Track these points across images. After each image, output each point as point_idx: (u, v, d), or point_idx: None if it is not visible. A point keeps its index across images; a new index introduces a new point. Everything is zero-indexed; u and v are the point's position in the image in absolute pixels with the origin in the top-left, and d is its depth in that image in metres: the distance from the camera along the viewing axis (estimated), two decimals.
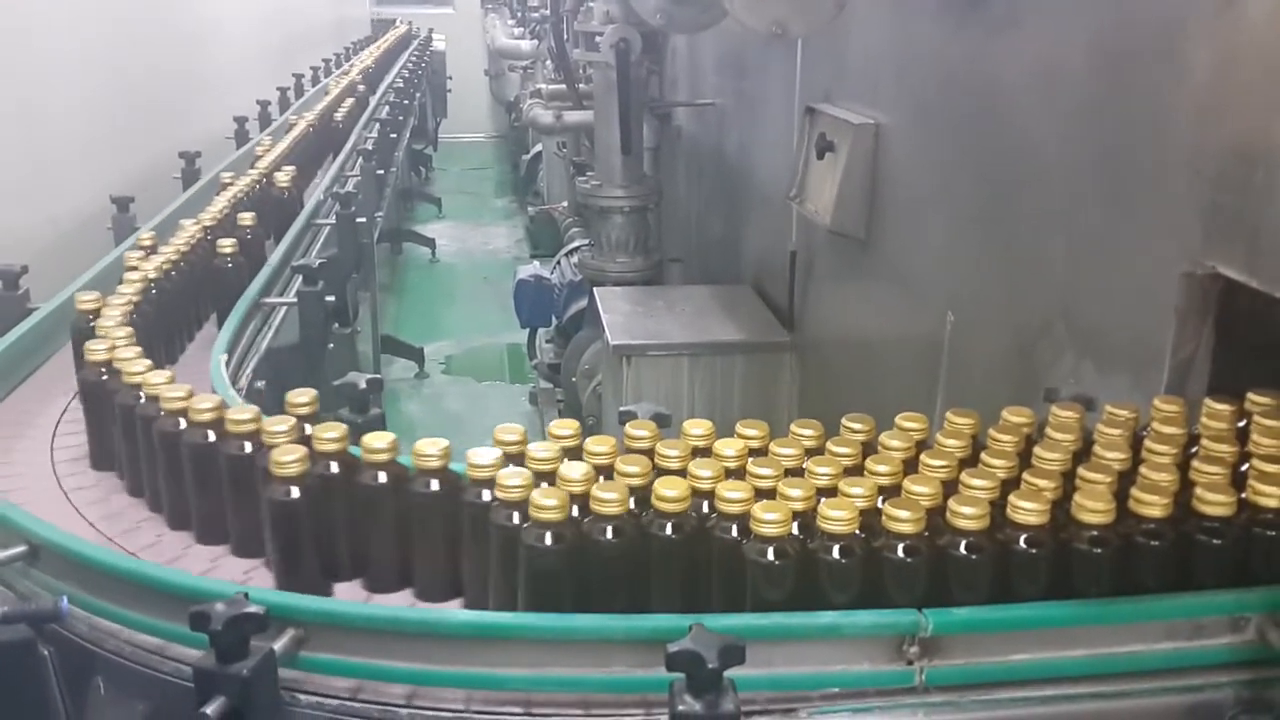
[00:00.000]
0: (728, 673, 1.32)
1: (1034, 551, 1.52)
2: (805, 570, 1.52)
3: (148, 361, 2.19)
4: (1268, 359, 1.88)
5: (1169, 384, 1.97)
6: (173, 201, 4.42)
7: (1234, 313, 1.92)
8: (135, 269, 2.87)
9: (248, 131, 6.81)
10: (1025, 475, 1.62)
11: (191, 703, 1.39)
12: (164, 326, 2.85)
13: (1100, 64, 2.23)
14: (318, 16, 14.45)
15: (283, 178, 4.43)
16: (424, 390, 7.75)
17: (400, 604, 1.78)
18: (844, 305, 3.89)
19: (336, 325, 3.85)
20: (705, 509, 1.62)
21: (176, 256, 3.05)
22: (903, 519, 1.51)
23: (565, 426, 1.80)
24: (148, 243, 3.18)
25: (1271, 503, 1.55)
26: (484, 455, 1.69)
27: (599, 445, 1.72)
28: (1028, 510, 1.53)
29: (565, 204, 9.33)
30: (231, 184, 4.07)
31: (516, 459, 1.73)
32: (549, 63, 8.52)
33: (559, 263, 7.09)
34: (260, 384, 2.96)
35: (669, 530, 1.57)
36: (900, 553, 1.51)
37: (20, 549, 1.76)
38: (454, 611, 1.73)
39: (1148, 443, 1.69)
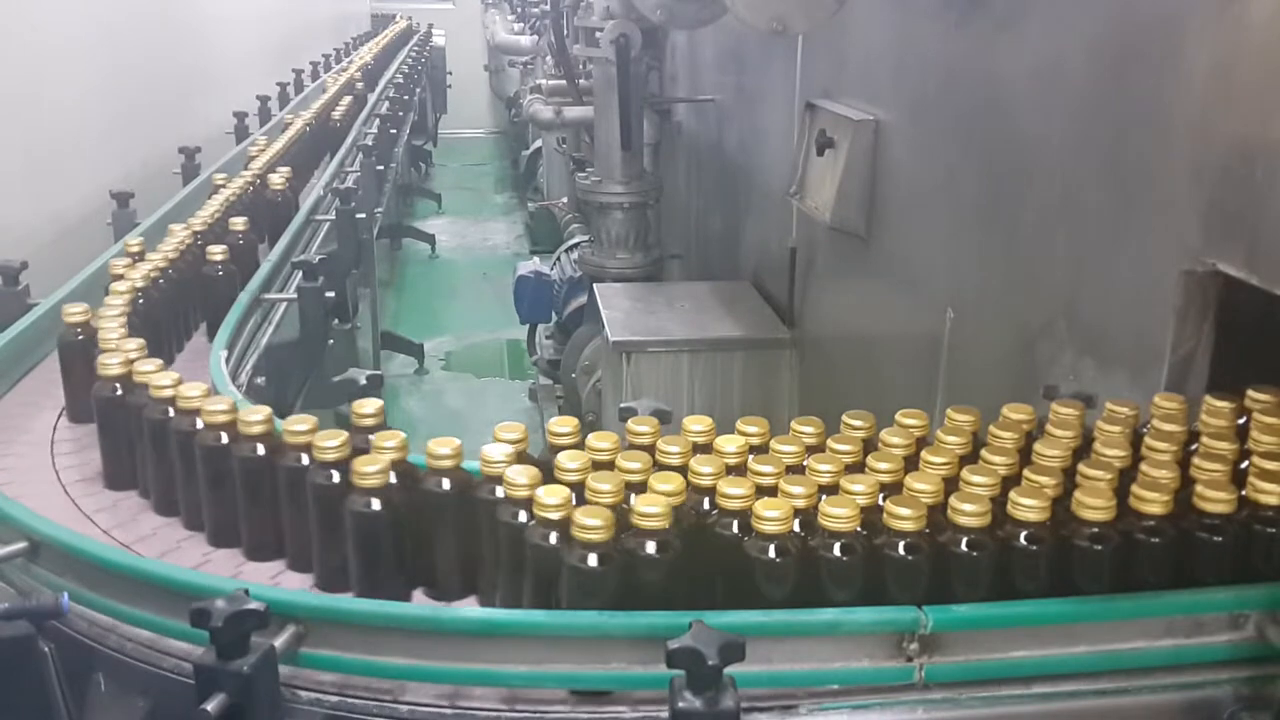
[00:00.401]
0: (728, 669, 1.32)
1: (1034, 548, 1.53)
2: (806, 567, 1.52)
3: (175, 375, 2.08)
4: (1268, 356, 1.88)
5: (1169, 381, 1.97)
6: (172, 197, 4.40)
7: (1234, 310, 1.92)
8: (121, 277, 2.78)
9: (248, 127, 6.80)
10: (1026, 472, 1.62)
11: (192, 699, 1.39)
12: (153, 336, 2.73)
13: (1101, 61, 2.23)
14: (318, 12, 14.45)
15: (277, 180, 4.30)
16: (424, 386, 7.74)
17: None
18: (844, 302, 3.88)
19: (336, 321, 3.85)
20: (706, 505, 1.61)
21: (165, 264, 2.95)
22: (904, 516, 1.52)
23: (564, 423, 1.80)
24: (135, 249, 3.09)
25: (1271, 500, 1.56)
26: (520, 474, 1.64)
27: (600, 441, 1.71)
28: (1028, 507, 1.53)
29: (565, 200, 9.31)
30: (224, 186, 3.94)
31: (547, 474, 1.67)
32: (549, 58, 8.49)
33: (559, 259, 7.07)
34: (260, 380, 2.96)
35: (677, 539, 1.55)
36: (901, 550, 1.52)
37: (20, 545, 1.76)
38: (453, 608, 1.73)
39: (1148, 440, 1.70)
